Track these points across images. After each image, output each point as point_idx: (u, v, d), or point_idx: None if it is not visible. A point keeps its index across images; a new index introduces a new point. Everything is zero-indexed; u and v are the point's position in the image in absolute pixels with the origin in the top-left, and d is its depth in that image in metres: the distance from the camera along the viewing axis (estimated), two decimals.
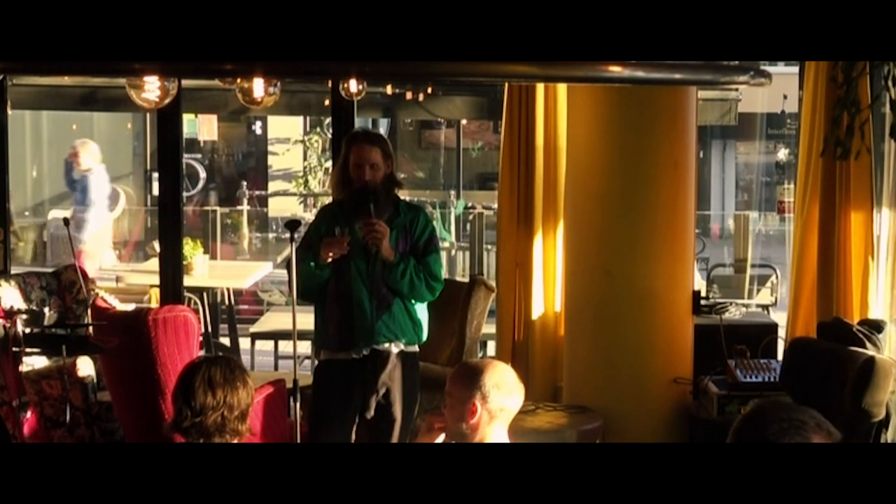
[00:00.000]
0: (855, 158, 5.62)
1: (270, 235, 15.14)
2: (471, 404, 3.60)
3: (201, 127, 15.98)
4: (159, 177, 7.96)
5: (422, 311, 5.07)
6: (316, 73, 6.61)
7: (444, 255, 11.98)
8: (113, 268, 12.16)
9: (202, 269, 9.47)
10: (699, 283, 7.89)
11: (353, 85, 7.20)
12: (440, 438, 3.73)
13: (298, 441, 5.05)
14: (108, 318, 5.71)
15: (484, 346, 8.37)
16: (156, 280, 8.03)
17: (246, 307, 11.70)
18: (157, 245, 8.21)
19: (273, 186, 16.59)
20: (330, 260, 4.93)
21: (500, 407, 3.64)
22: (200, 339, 6.11)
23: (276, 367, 8.72)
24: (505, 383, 3.67)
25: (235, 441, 3.67)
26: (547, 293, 6.88)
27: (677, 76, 4.97)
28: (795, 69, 7.02)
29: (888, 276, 6.28)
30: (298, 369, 4.95)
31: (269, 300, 12.15)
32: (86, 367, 6.01)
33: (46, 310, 4.99)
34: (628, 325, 5.89)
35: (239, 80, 6.83)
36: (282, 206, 15.80)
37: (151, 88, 6.11)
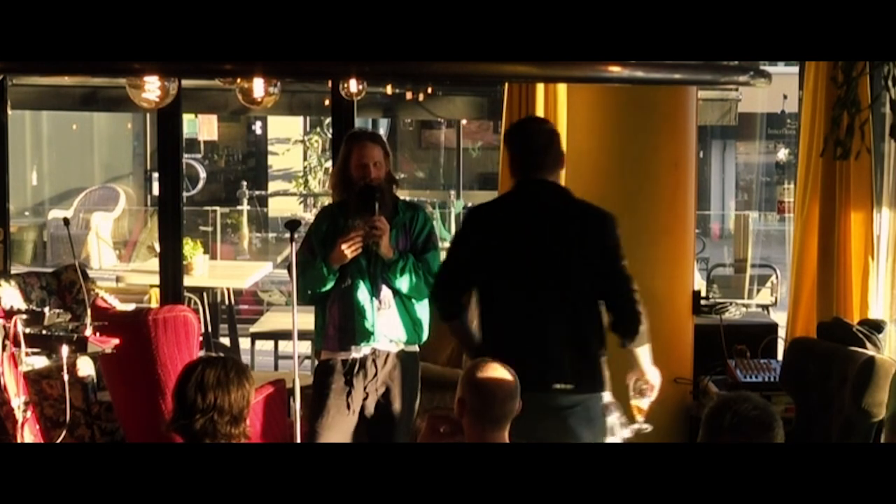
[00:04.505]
0: (855, 158, 5.62)
1: (270, 235, 15.15)
2: (474, 408, 3.61)
3: (201, 127, 15.99)
4: (159, 177, 7.96)
5: (422, 310, 5.06)
6: (316, 73, 6.60)
7: (444, 255, 11.98)
8: (113, 268, 12.18)
9: (202, 269, 9.47)
10: (699, 283, 7.89)
11: (353, 85, 7.20)
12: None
13: (298, 441, 5.05)
14: (108, 318, 5.71)
15: None
16: (156, 280, 8.04)
17: (246, 307, 11.70)
18: (156, 245, 8.21)
19: (273, 186, 16.59)
20: (350, 258, 4.88)
21: (504, 410, 3.65)
22: (200, 339, 6.11)
23: (276, 367, 8.72)
24: (508, 386, 3.68)
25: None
26: None
27: (677, 76, 4.96)
28: (795, 69, 7.02)
29: (888, 276, 6.28)
30: (298, 369, 4.95)
31: (269, 300, 12.15)
32: (86, 367, 6.01)
33: (46, 310, 4.99)
34: None
35: (239, 80, 6.83)
36: (282, 206, 15.80)
37: (151, 88, 6.11)
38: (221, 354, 6.99)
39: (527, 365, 4.27)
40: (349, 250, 4.86)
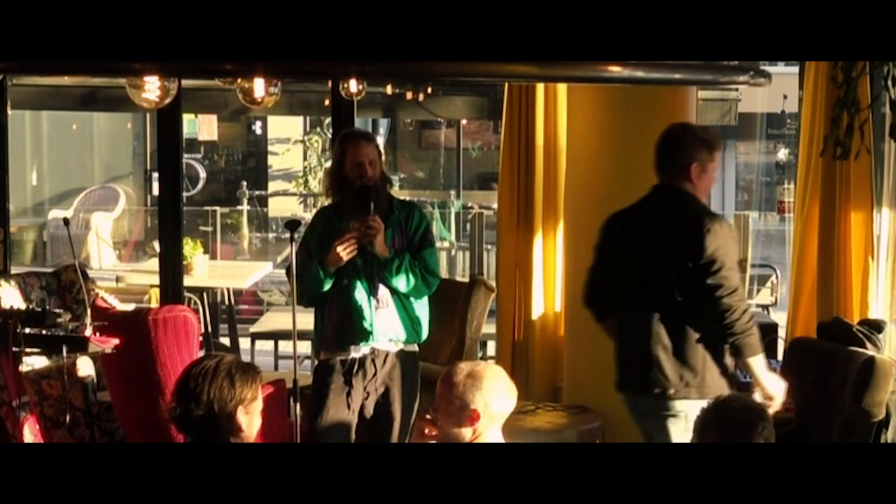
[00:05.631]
0: (855, 158, 5.62)
1: (270, 235, 15.14)
2: (472, 411, 3.58)
3: (201, 127, 15.97)
4: (159, 177, 7.96)
5: (421, 309, 5.06)
6: (316, 73, 6.61)
7: (443, 255, 11.99)
8: (113, 268, 12.18)
9: (202, 269, 9.47)
10: None
11: (353, 85, 7.20)
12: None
13: (298, 441, 5.05)
14: (108, 318, 5.71)
15: (484, 346, 8.37)
16: (156, 280, 8.04)
17: (246, 307, 11.70)
18: (156, 245, 8.21)
19: (273, 186, 16.58)
20: (345, 261, 4.88)
21: (500, 411, 3.64)
22: (200, 339, 6.11)
23: (276, 367, 8.72)
24: (504, 388, 3.66)
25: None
26: (547, 293, 6.88)
27: (677, 76, 4.96)
28: (795, 69, 7.02)
29: (888, 276, 6.28)
30: (298, 369, 4.95)
31: (269, 300, 12.15)
32: (86, 367, 6.01)
33: (47, 309, 4.99)
34: None
35: (239, 80, 6.83)
36: (282, 206, 15.79)
37: (151, 88, 6.11)
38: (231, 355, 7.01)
39: (630, 367, 4.57)
40: (345, 253, 4.86)
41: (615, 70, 4.51)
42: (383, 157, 5.12)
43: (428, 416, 3.69)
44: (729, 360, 4.54)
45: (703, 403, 4.42)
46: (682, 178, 4.56)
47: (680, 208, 4.55)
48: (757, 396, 4.50)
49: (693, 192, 4.56)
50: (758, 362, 4.50)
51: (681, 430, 4.43)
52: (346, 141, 5.05)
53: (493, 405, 3.60)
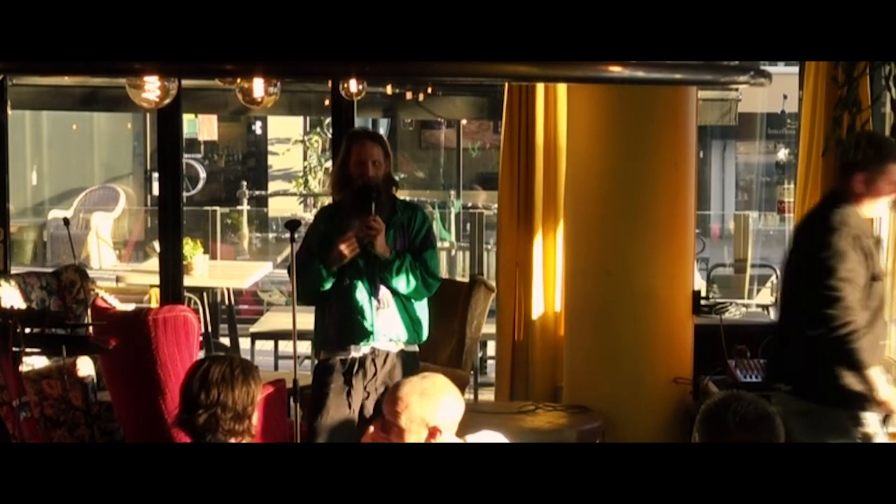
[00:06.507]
0: None
1: (270, 235, 15.15)
2: (432, 428, 3.58)
3: (201, 127, 15.97)
4: (159, 177, 7.97)
5: (422, 310, 5.06)
6: (316, 73, 6.60)
7: (444, 255, 11.99)
8: (113, 268, 12.19)
9: (202, 269, 9.47)
10: (699, 283, 7.89)
11: (353, 85, 7.21)
12: None
13: (298, 441, 5.05)
14: (108, 318, 5.71)
15: (484, 346, 8.37)
16: (156, 280, 8.04)
17: (246, 307, 11.70)
18: (157, 245, 8.22)
19: (273, 186, 16.59)
20: (349, 258, 4.88)
21: (456, 421, 3.64)
22: (200, 339, 6.11)
23: (276, 367, 8.72)
24: (455, 397, 3.66)
25: (233, 440, 3.66)
26: (547, 293, 6.88)
27: (677, 76, 4.96)
28: (795, 69, 7.02)
29: (888, 276, 6.27)
30: (298, 369, 4.95)
31: (269, 300, 12.15)
32: (86, 367, 6.01)
33: (47, 309, 5.00)
34: (628, 325, 5.88)
35: (239, 80, 6.83)
36: (282, 206, 15.80)
37: (151, 88, 6.11)
38: (230, 354, 7.00)
39: (769, 363, 4.96)
40: (347, 250, 4.86)
41: (615, 70, 4.51)
42: (391, 158, 5.11)
43: (380, 436, 3.67)
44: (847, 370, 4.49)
45: (842, 412, 4.42)
46: (846, 184, 4.60)
47: (820, 213, 4.64)
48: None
49: (854, 199, 4.56)
50: (875, 374, 4.45)
51: (808, 429, 4.48)
52: (352, 140, 5.06)
53: (451, 418, 3.61)
